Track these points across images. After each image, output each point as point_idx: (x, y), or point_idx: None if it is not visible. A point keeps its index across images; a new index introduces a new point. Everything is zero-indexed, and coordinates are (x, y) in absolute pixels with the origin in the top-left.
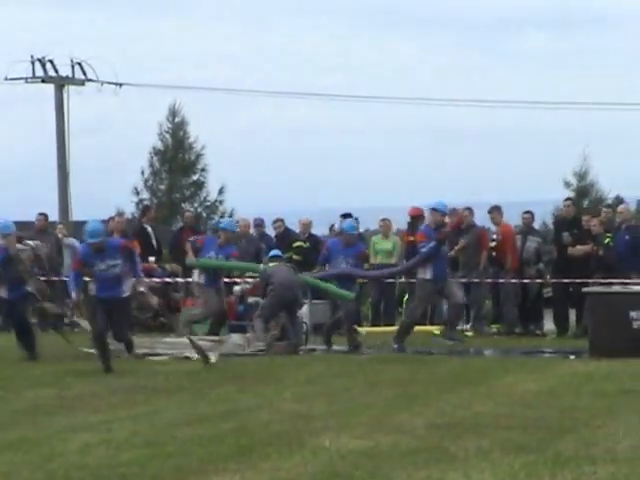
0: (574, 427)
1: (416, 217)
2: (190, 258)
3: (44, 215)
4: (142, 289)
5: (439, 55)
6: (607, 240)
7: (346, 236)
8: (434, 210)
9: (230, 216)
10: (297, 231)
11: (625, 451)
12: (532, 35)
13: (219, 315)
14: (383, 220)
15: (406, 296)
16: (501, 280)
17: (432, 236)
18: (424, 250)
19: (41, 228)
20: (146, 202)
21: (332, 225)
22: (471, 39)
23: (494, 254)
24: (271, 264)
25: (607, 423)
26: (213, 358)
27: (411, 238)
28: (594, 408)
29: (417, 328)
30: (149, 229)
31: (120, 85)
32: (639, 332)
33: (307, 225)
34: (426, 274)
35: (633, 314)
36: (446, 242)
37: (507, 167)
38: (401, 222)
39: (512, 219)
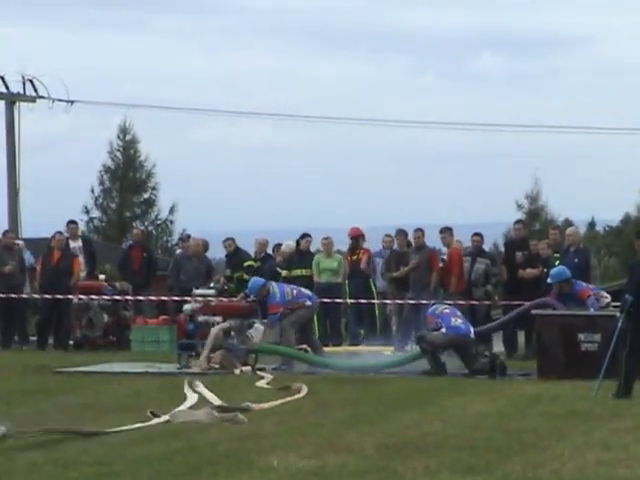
0: (522, 448)
1: (356, 237)
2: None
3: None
4: None
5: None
6: (556, 262)
7: None
8: None
9: (182, 236)
10: (253, 250)
11: (571, 472)
12: (486, 57)
13: None
14: (326, 239)
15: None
16: (449, 302)
17: None
18: None
19: (7, 245)
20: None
21: (277, 245)
22: (426, 60)
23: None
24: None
25: (554, 444)
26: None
27: (353, 258)
28: (542, 429)
29: (366, 348)
30: (73, 244)
31: (71, 102)
32: (587, 354)
33: (263, 245)
34: None
35: (581, 336)
36: None
37: (460, 189)
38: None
39: (463, 241)
